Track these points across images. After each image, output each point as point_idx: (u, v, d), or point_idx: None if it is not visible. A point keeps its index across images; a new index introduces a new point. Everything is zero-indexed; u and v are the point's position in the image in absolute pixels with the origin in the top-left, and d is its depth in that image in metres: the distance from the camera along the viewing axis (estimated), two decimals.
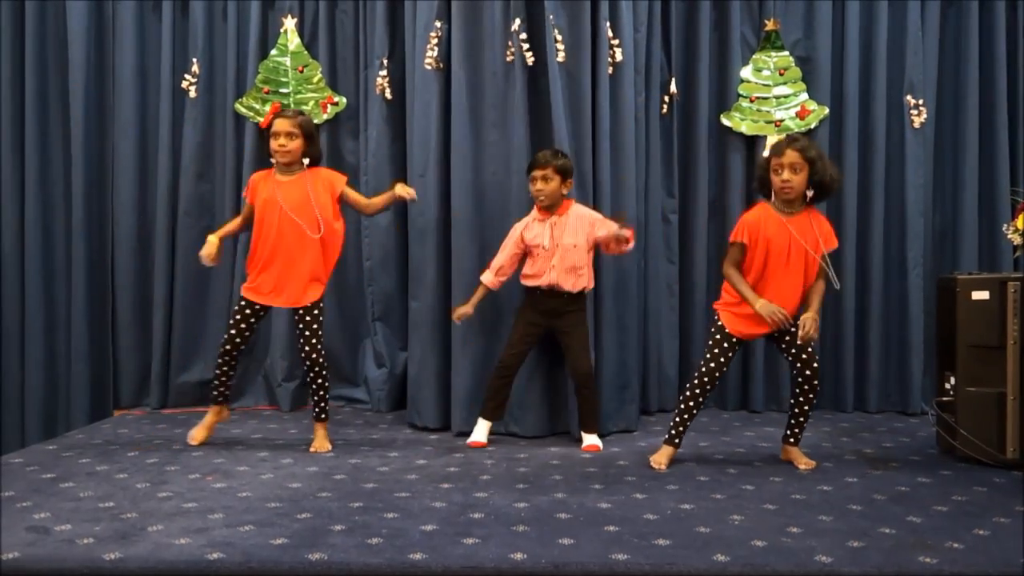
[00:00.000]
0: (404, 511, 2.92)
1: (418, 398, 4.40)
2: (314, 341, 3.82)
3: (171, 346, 4.96)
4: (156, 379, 4.93)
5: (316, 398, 3.93)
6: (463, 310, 4.02)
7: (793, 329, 3.50)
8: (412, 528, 2.73)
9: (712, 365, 3.58)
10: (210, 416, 3.99)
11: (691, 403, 3.60)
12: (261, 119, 4.73)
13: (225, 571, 2.42)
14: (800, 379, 3.55)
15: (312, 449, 3.89)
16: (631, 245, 3.90)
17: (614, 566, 2.43)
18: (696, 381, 3.59)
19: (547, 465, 3.62)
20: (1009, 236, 3.98)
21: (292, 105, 4.87)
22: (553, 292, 3.94)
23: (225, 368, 3.92)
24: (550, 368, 4.21)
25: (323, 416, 3.95)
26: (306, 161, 3.85)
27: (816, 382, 3.54)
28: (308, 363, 3.85)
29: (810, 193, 3.49)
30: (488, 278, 4.03)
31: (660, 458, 3.63)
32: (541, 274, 3.94)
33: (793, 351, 3.52)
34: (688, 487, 3.27)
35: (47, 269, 4.98)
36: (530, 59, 4.15)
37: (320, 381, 3.88)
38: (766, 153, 3.82)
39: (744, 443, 4.09)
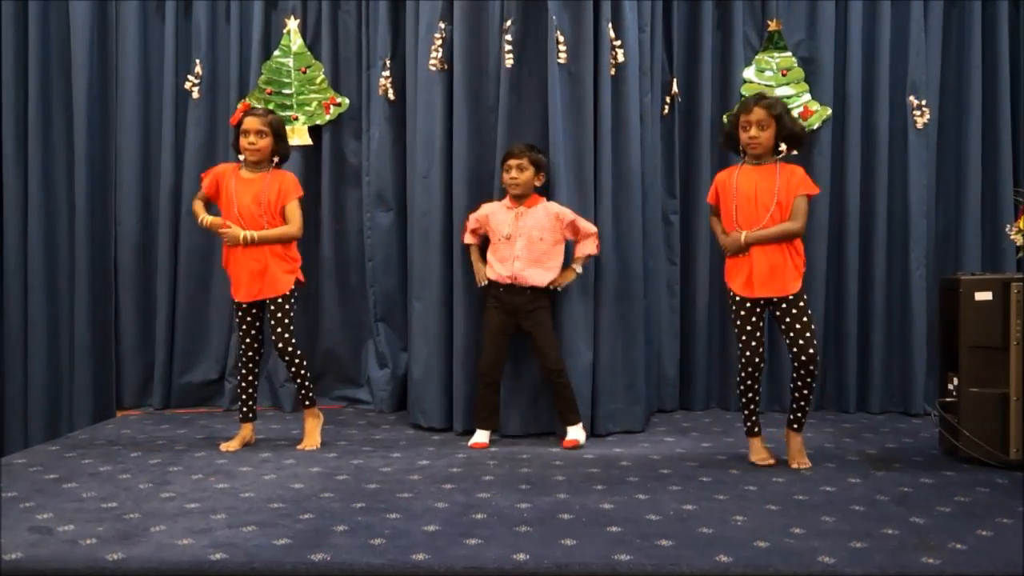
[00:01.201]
0: (406, 511, 2.92)
1: (423, 398, 4.40)
2: (280, 331, 3.80)
3: (174, 347, 4.96)
4: (159, 380, 4.93)
5: (296, 384, 3.94)
6: (481, 273, 4.07)
7: (793, 309, 3.50)
8: (414, 528, 2.73)
9: (744, 339, 3.60)
10: (241, 432, 3.99)
11: (742, 388, 3.66)
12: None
13: (228, 571, 2.43)
14: (795, 363, 3.52)
15: (300, 447, 3.90)
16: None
17: (616, 567, 2.43)
18: (739, 365, 3.64)
19: (549, 465, 3.62)
20: (1012, 237, 3.98)
21: (295, 106, 4.88)
22: (515, 288, 3.96)
23: (248, 377, 3.94)
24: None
25: (308, 403, 3.95)
26: (276, 160, 3.88)
27: (812, 367, 3.49)
28: (278, 352, 3.85)
29: (783, 147, 3.57)
30: (468, 239, 4.13)
31: (760, 455, 3.68)
32: (504, 260, 3.97)
33: (791, 334, 3.50)
34: (690, 488, 3.27)
35: (50, 270, 4.99)
36: (510, 60, 4.16)
37: (295, 369, 3.88)
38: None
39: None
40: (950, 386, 3.78)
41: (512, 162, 3.97)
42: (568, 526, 2.77)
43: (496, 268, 4.00)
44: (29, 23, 4.92)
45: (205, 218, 3.86)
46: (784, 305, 3.51)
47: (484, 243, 4.14)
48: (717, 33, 4.96)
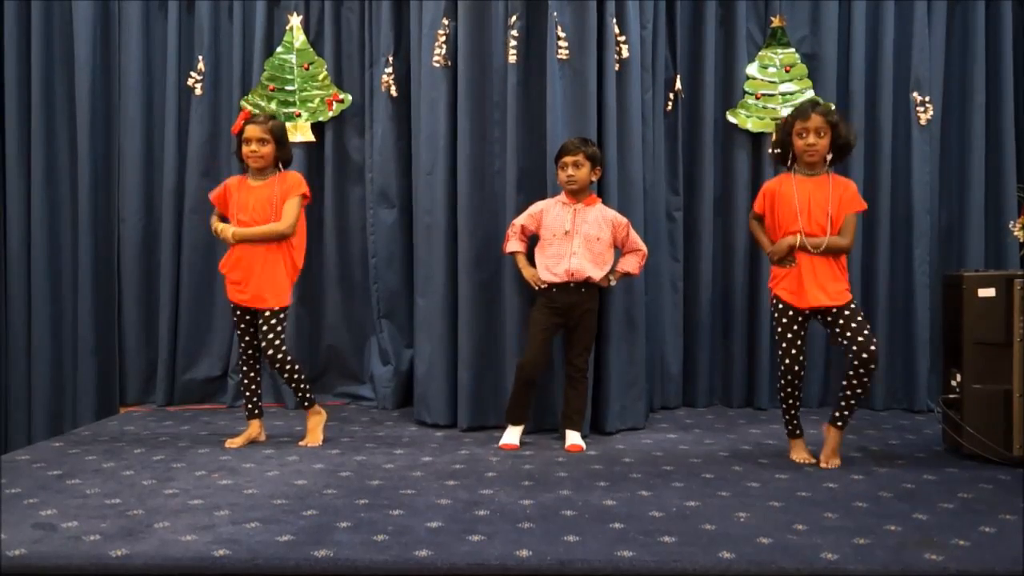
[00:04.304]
0: (410, 508, 2.92)
1: (428, 395, 4.40)
2: (272, 343, 3.78)
3: (177, 343, 4.98)
4: (162, 376, 4.95)
5: (292, 389, 3.94)
6: (536, 278, 3.95)
7: (845, 311, 3.47)
8: (418, 525, 2.73)
9: (784, 346, 3.58)
10: (248, 429, 3.99)
11: (783, 395, 3.65)
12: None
13: (231, 568, 2.43)
14: (856, 361, 3.43)
15: (302, 443, 3.91)
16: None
17: (619, 563, 2.43)
18: (780, 372, 3.63)
19: (552, 462, 3.63)
20: (1015, 233, 3.97)
21: (298, 103, 4.88)
22: (569, 288, 3.89)
23: (250, 374, 3.95)
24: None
25: (306, 404, 3.96)
26: (280, 166, 3.87)
27: (872, 365, 3.42)
28: (268, 361, 3.83)
29: (829, 157, 3.55)
30: (515, 247, 4.02)
31: (801, 455, 3.66)
32: (560, 258, 3.89)
33: (848, 334, 3.45)
34: (694, 484, 3.27)
35: (53, 267, 5.00)
36: (513, 57, 4.16)
37: (287, 376, 3.86)
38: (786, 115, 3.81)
39: (750, 440, 4.09)
40: (953, 382, 3.78)
41: (568, 159, 3.88)
42: (571, 523, 2.77)
43: (548, 270, 3.91)
44: (32, 21, 4.92)
45: (214, 226, 3.88)
46: (836, 310, 3.48)
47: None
48: (720, 30, 4.96)
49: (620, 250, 4.03)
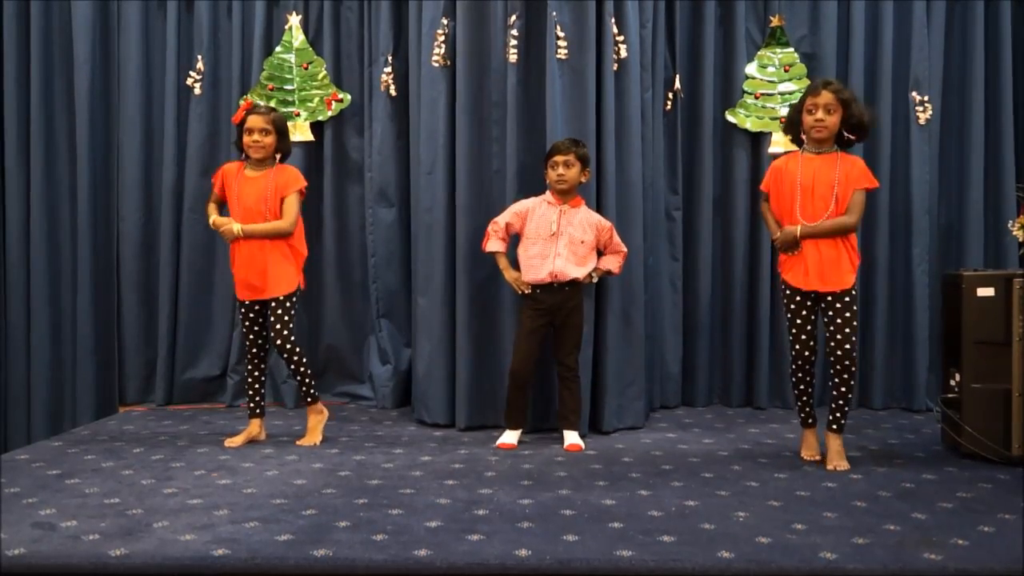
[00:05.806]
0: (409, 507, 2.92)
1: (427, 394, 4.41)
2: (282, 330, 3.79)
3: (176, 342, 4.98)
4: (161, 375, 4.94)
5: (297, 381, 3.95)
6: (519, 282, 3.96)
7: (836, 304, 3.45)
8: (417, 524, 2.73)
9: (794, 331, 3.59)
10: (248, 427, 3.99)
11: (794, 379, 3.67)
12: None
13: (230, 567, 2.43)
14: (830, 358, 3.48)
15: (300, 442, 3.92)
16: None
17: (618, 563, 2.43)
18: (791, 356, 3.64)
19: (551, 462, 3.63)
20: (1014, 232, 3.97)
21: (297, 103, 4.88)
22: (553, 288, 3.90)
23: (254, 372, 3.96)
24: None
25: (309, 399, 3.96)
26: (278, 157, 3.88)
27: (847, 363, 3.44)
28: (277, 349, 3.84)
29: (851, 137, 3.51)
30: (496, 246, 4.01)
31: (809, 452, 3.68)
32: (544, 258, 3.90)
33: (831, 328, 3.46)
34: (693, 484, 3.27)
35: (52, 266, 5.00)
36: (513, 56, 4.16)
37: (294, 367, 3.87)
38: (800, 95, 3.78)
39: (749, 439, 4.09)
40: (952, 382, 3.78)
41: (559, 158, 3.89)
42: (570, 522, 2.78)
43: (531, 270, 3.92)
44: (31, 20, 4.92)
45: (213, 219, 3.88)
46: (830, 298, 3.47)
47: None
48: (719, 29, 4.96)
49: (602, 252, 4.04)
